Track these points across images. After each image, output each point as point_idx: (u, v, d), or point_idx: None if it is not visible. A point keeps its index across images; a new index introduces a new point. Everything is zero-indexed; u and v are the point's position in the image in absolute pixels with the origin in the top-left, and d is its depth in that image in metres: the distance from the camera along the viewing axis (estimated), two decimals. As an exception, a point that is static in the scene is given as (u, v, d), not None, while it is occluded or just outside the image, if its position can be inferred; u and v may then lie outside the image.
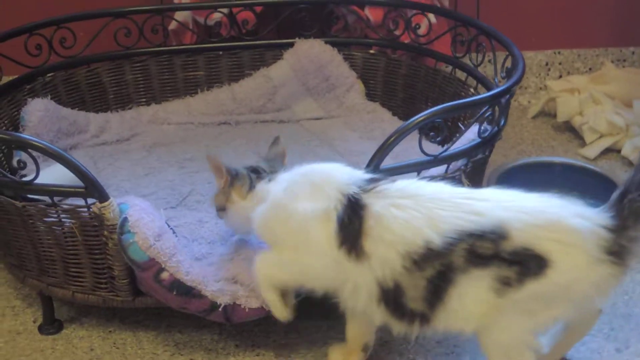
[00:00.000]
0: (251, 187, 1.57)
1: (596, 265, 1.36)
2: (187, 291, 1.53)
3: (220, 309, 1.54)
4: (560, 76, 2.71)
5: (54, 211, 1.59)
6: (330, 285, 1.46)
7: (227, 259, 1.66)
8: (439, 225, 1.37)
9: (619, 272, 1.38)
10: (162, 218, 1.59)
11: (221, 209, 1.62)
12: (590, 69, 2.71)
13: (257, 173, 1.59)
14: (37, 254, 1.68)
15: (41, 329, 1.75)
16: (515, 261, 1.35)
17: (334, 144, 2.17)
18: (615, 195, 1.41)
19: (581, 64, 2.71)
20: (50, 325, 1.75)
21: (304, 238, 1.43)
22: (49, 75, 2.24)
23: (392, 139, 1.55)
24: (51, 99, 2.18)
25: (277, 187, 1.51)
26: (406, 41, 2.31)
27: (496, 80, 1.95)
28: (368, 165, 1.55)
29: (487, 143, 1.68)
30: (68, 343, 1.71)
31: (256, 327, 1.71)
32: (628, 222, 1.38)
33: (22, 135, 1.61)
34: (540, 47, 2.68)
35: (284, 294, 1.51)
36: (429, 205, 1.39)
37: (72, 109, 2.25)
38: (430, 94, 2.25)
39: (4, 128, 2.09)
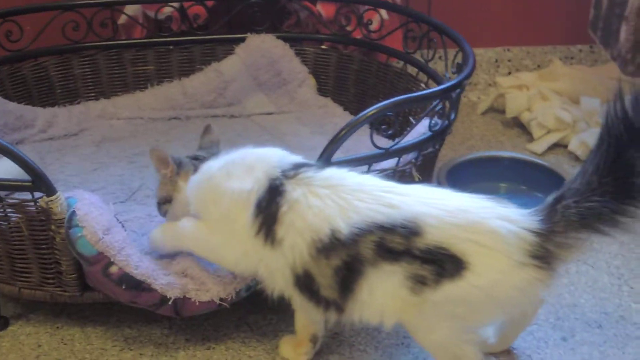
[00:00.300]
0: (195, 170, 1.57)
1: (518, 269, 1.34)
2: (137, 285, 1.51)
3: (170, 303, 1.53)
4: (509, 73, 2.74)
5: (-1, 205, 1.56)
6: (244, 269, 1.49)
7: (175, 253, 1.65)
8: (350, 216, 1.36)
9: (545, 276, 1.36)
10: (111, 212, 1.57)
11: (167, 201, 1.60)
12: (538, 66, 2.75)
13: (197, 159, 1.60)
14: (-18, 250, 1.64)
15: (-14, 326, 1.72)
16: (429, 260, 1.34)
17: (285, 139, 2.17)
18: (549, 198, 1.39)
19: (530, 61, 2.75)
20: (-4, 322, 1.72)
21: (229, 217, 1.45)
22: (-6, 69, 2.21)
23: (343, 132, 1.55)
24: (-4, 92, 2.15)
25: (216, 163, 1.52)
26: (358, 37, 2.31)
27: (447, 75, 1.96)
28: (319, 159, 1.55)
29: (437, 137, 1.70)
30: (14, 340, 1.68)
31: (206, 321, 1.70)
32: (558, 228, 1.35)
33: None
34: (490, 45, 2.71)
35: None
36: (346, 195, 1.39)
37: (18, 103, 2.21)
38: (381, 89, 2.26)
39: (-52, 122, 2.05)
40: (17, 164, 1.51)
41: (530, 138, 2.47)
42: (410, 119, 1.81)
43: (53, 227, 1.54)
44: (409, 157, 1.67)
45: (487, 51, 2.72)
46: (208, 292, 1.54)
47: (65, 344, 1.67)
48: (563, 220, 1.35)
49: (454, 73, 1.92)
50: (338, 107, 2.33)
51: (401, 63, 2.22)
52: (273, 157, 1.49)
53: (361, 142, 1.80)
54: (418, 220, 1.35)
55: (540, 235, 1.35)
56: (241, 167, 1.48)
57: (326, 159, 1.55)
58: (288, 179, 1.43)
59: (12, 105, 2.17)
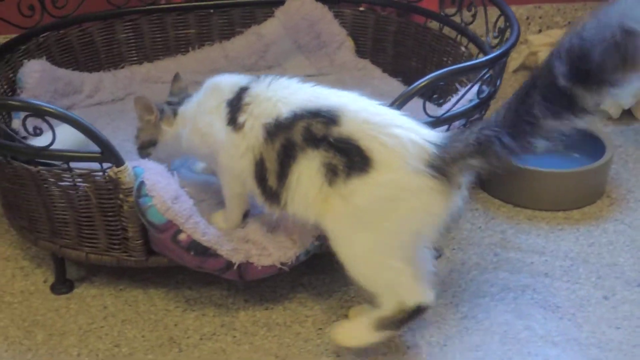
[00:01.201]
0: (175, 114, 1.74)
1: (414, 174, 1.46)
2: (204, 251, 1.59)
3: (235, 267, 1.61)
4: (540, 30, 2.78)
5: (68, 175, 1.63)
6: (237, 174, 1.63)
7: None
8: (291, 102, 1.55)
9: (439, 186, 1.46)
10: (176, 181, 1.63)
11: (151, 144, 1.75)
12: (569, 22, 2.78)
13: (171, 104, 1.77)
14: (49, 217, 1.72)
15: (53, 289, 1.80)
16: (341, 149, 1.48)
17: (326, 102, 2.22)
18: (478, 123, 1.49)
19: (561, 18, 2.78)
20: (62, 284, 1.80)
21: (217, 143, 1.62)
22: (42, 36, 2.25)
23: (397, 102, 1.60)
24: (45, 59, 2.19)
25: (191, 106, 1.71)
26: (395, -2, 2.35)
27: (488, 39, 2.00)
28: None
29: (484, 103, 1.75)
30: (81, 302, 1.77)
31: (262, 282, 1.78)
32: (456, 144, 1.46)
33: (38, 102, 1.64)
34: (521, 2, 2.74)
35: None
36: (296, 88, 1.59)
37: (65, 69, 2.27)
38: (420, 51, 2.30)
39: (2, 90, 2.11)
40: (86, 135, 1.58)
41: (563, 96, 2.51)
42: (457, 85, 1.86)
43: (121, 195, 1.61)
44: (457, 123, 1.72)
45: (518, 8, 2.75)
46: (270, 256, 1.62)
47: (129, 306, 1.76)
48: (463, 141, 1.46)
49: (495, 37, 1.97)
50: (377, 68, 2.37)
51: (438, 25, 2.26)
52: (235, 76, 1.69)
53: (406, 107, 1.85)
54: (338, 110, 1.51)
55: (440, 148, 1.47)
56: (210, 98, 1.66)
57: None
58: (253, 82, 1.63)
59: (61, 72, 2.22)
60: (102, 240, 1.70)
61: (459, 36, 2.17)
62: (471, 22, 2.12)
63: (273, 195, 1.57)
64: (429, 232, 1.53)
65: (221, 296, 1.77)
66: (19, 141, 1.61)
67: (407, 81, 2.32)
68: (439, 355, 1.61)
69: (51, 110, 1.56)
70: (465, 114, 1.71)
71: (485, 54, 2.00)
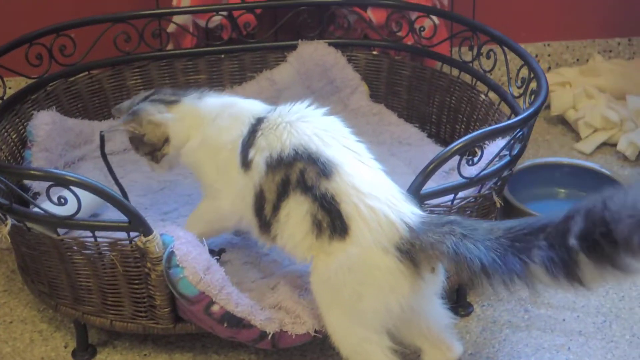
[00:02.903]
0: (175, 102, 1.71)
1: (381, 254, 1.44)
2: (238, 322, 1.55)
3: (269, 337, 1.57)
4: (549, 68, 2.76)
5: (93, 244, 1.58)
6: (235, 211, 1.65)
7: (264, 284, 1.68)
8: (293, 135, 1.54)
9: (407, 272, 1.44)
10: (206, 250, 1.59)
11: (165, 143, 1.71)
12: (577, 60, 2.77)
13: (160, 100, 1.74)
14: (71, 284, 1.67)
15: (75, 355, 1.75)
16: (324, 207, 1.48)
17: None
18: (465, 224, 1.43)
19: (569, 55, 2.77)
20: (85, 351, 1.75)
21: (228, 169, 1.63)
22: (50, 85, 2.20)
23: (432, 165, 1.57)
24: (55, 109, 2.14)
25: (207, 115, 1.69)
26: (409, 42, 2.32)
27: (510, 89, 1.98)
28: (408, 190, 1.57)
29: (515, 161, 1.72)
30: (105, 369, 1.72)
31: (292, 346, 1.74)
32: (439, 247, 1.41)
33: (64, 172, 1.59)
34: (530, 40, 2.73)
35: None
36: (300, 126, 1.56)
37: (75, 118, 2.22)
38: (436, 96, 2.27)
39: (12, 143, 2.06)
40: (113, 205, 1.53)
41: (576, 136, 2.50)
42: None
43: (149, 264, 1.57)
44: (490, 183, 1.70)
45: (527, 46, 2.72)
46: (304, 324, 1.58)
47: (156, 373, 1.71)
48: (439, 236, 1.42)
49: (518, 87, 1.94)
50: (392, 113, 2.33)
51: (451, 69, 2.23)
52: (254, 105, 1.68)
53: (422, 154, 1.81)
54: (335, 165, 1.50)
55: (412, 233, 1.45)
56: (227, 120, 1.65)
57: (415, 191, 1.57)
58: (266, 114, 1.62)
59: (72, 122, 2.17)
60: (127, 307, 1.65)
61: (475, 81, 2.15)
62: (491, 70, 2.10)
63: (266, 224, 1.57)
64: (398, 311, 1.48)
65: (249, 361, 1.73)
66: (44, 210, 1.55)
67: (424, 127, 2.30)
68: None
69: (76, 180, 1.51)
70: (498, 173, 1.68)
71: (509, 103, 1.98)
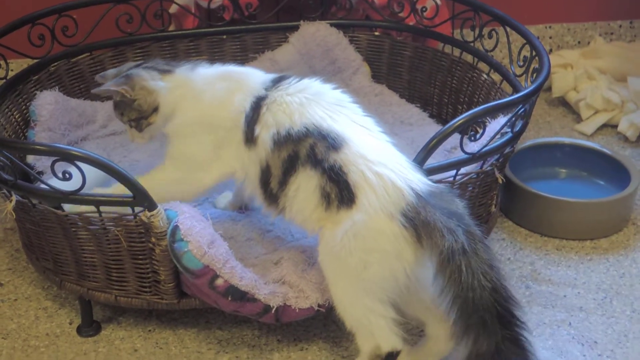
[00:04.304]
0: (169, 71, 1.69)
1: (388, 219, 1.45)
2: (242, 296, 1.56)
3: (272, 311, 1.58)
4: (551, 50, 2.77)
5: (98, 219, 1.59)
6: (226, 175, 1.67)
7: (267, 260, 1.69)
8: (305, 116, 1.55)
9: (411, 239, 1.45)
10: (209, 224, 1.60)
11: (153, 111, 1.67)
12: (579, 42, 2.78)
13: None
14: (76, 260, 1.68)
15: (80, 331, 1.76)
16: (332, 178, 1.49)
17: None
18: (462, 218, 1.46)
19: (571, 37, 2.77)
20: (89, 327, 1.76)
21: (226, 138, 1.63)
22: (53, 65, 2.20)
23: (434, 141, 1.58)
24: (57, 89, 2.15)
25: (200, 87, 1.66)
26: (411, 23, 2.32)
27: (512, 68, 1.99)
28: (411, 165, 1.57)
29: (517, 137, 1.73)
30: (110, 345, 1.73)
31: (295, 321, 1.75)
32: (438, 224, 1.43)
33: (69, 147, 1.59)
34: (531, 22, 2.73)
35: None
36: (311, 99, 1.57)
37: (77, 98, 2.22)
38: (437, 76, 2.28)
39: (15, 123, 2.06)
40: (117, 179, 1.54)
41: (577, 117, 2.51)
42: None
43: (153, 239, 1.57)
44: (492, 159, 1.70)
45: (528, 28, 2.68)
46: (307, 299, 1.59)
47: (160, 348, 1.72)
48: (445, 209, 1.45)
49: (520, 66, 1.95)
50: (394, 94, 2.34)
51: (453, 49, 2.24)
52: (254, 76, 1.68)
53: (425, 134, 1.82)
54: (345, 139, 1.52)
55: (420, 200, 1.46)
56: (224, 92, 1.64)
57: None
58: (269, 90, 1.62)
59: (74, 102, 2.18)
60: (131, 283, 1.66)
61: (477, 61, 2.16)
62: (493, 49, 2.10)
63: (272, 196, 1.59)
64: (403, 279, 1.49)
65: (253, 336, 1.74)
66: (47, 185, 1.56)
67: (425, 107, 2.30)
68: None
69: (82, 155, 1.52)
70: (500, 149, 1.69)
71: (511, 82, 1.98)
